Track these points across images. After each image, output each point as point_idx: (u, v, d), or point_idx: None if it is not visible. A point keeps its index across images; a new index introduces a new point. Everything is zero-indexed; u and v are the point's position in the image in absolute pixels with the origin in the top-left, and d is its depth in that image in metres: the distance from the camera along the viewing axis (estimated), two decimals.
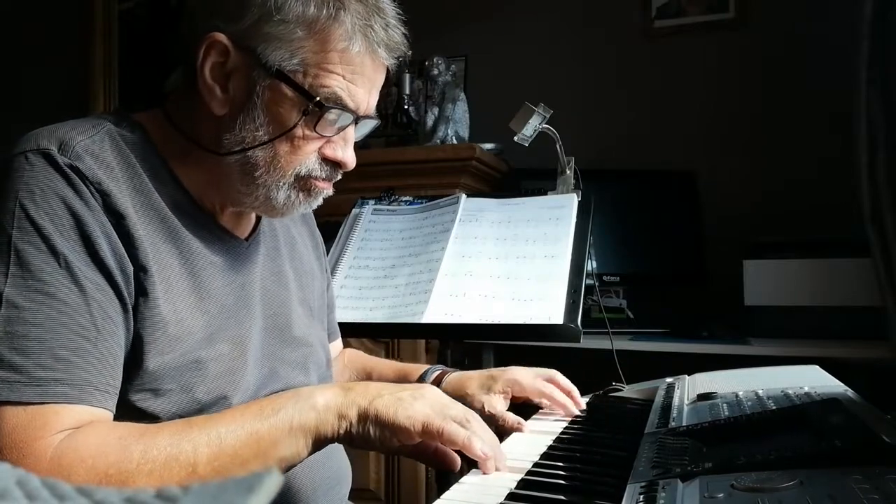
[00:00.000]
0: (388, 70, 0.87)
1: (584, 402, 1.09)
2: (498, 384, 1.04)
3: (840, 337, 1.81)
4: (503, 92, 2.31)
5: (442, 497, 0.68)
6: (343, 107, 0.82)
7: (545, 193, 1.55)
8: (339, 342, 1.20)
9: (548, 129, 1.62)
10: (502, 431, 0.97)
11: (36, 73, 3.14)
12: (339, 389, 0.77)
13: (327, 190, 0.88)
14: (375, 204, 1.61)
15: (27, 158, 0.74)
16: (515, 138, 1.62)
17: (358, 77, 0.82)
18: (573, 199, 1.47)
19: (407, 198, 1.63)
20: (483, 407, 1.01)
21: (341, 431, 0.74)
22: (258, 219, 0.95)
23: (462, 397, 1.03)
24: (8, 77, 3.16)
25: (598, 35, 2.54)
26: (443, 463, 0.79)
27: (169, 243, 0.80)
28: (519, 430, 0.96)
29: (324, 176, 0.86)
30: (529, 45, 2.61)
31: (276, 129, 0.81)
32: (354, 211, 1.59)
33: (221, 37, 0.79)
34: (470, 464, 0.77)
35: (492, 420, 0.99)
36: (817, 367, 1.07)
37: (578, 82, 2.53)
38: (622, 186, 2.33)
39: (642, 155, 2.40)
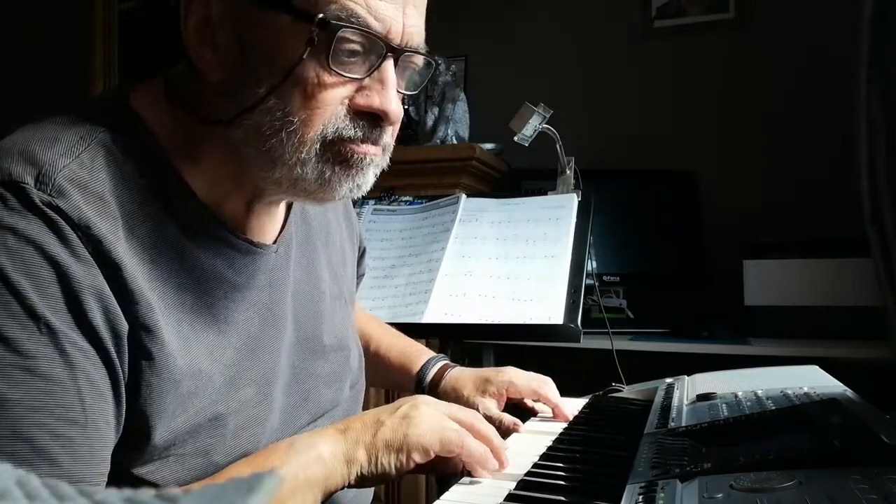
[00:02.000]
0: None
1: (574, 412, 1.06)
2: (492, 386, 1.03)
3: (840, 337, 1.81)
4: (503, 92, 2.31)
5: (442, 497, 0.68)
6: (362, 26, 0.62)
7: (545, 193, 1.55)
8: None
9: (548, 129, 1.62)
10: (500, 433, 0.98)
11: (36, 73, 3.14)
12: (337, 433, 0.71)
13: (374, 157, 0.68)
14: (375, 204, 1.61)
15: None
16: (515, 138, 1.62)
17: None
18: (573, 199, 1.47)
19: (407, 198, 1.63)
20: (478, 409, 1.01)
21: (352, 479, 0.69)
22: (287, 211, 0.81)
23: (457, 399, 1.03)
24: (8, 77, 3.16)
25: (599, 35, 2.54)
26: (445, 469, 0.76)
27: (182, 275, 0.67)
28: (515, 430, 0.96)
29: (360, 136, 0.66)
30: (529, 45, 2.61)
31: (277, 74, 0.62)
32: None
33: None
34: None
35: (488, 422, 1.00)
36: (817, 367, 1.07)
37: (578, 82, 2.53)
38: (622, 186, 2.33)
39: (642, 155, 2.40)
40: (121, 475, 0.63)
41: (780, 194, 2.26)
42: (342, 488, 0.70)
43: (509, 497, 0.67)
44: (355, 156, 0.67)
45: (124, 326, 0.61)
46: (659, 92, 2.46)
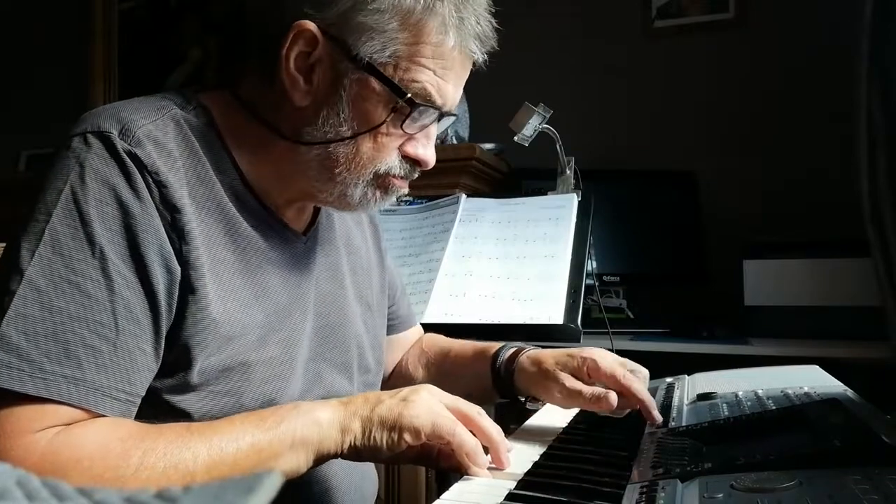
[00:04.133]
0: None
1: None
2: (574, 361, 0.95)
3: (840, 337, 1.80)
4: (503, 92, 2.31)
5: (441, 497, 0.68)
6: (432, 104, 0.79)
7: (545, 193, 1.55)
8: (417, 328, 1.18)
9: (548, 129, 1.62)
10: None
11: (36, 73, 3.14)
12: (339, 404, 0.75)
13: (403, 189, 0.85)
14: None
15: (85, 140, 0.71)
16: (515, 138, 1.62)
17: (448, 72, 0.79)
18: (573, 199, 1.47)
19: (407, 198, 1.63)
20: (561, 382, 0.93)
21: (345, 447, 0.72)
22: (315, 212, 0.92)
23: (538, 371, 0.97)
24: (8, 77, 3.16)
25: (599, 35, 2.54)
26: (447, 465, 0.76)
27: (226, 237, 0.78)
28: (606, 400, 0.89)
29: (402, 174, 0.82)
30: (530, 45, 2.61)
31: (361, 125, 0.78)
32: None
33: (311, 25, 0.75)
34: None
35: (573, 396, 0.92)
36: (817, 367, 1.07)
37: (578, 82, 2.53)
38: (622, 186, 2.33)
39: (642, 155, 2.40)
40: (157, 401, 0.72)
41: (780, 194, 2.26)
42: (336, 455, 0.73)
43: (510, 496, 0.67)
44: (393, 187, 0.83)
45: (177, 267, 0.72)
46: (659, 92, 2.46)
